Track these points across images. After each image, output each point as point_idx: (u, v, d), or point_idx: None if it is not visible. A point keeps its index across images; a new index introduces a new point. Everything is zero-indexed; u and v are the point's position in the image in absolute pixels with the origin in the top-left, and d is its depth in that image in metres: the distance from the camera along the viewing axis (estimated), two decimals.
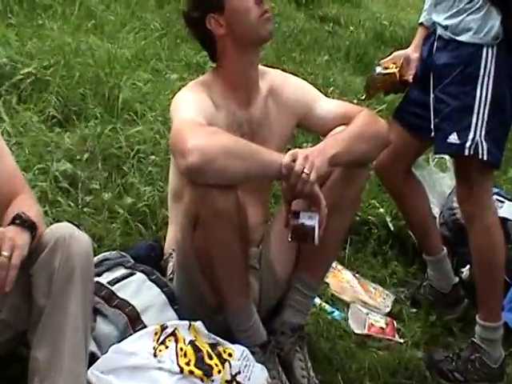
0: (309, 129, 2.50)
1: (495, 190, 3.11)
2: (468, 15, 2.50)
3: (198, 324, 2.03)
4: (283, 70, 2.55)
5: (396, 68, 2.83)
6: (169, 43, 4.63)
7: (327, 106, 2.36)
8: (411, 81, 2.81)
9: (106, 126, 3.16)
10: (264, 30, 2.23)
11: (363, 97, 3.06)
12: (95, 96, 3.41)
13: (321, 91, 2.46)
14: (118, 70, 3.72)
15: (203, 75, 2.37)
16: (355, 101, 3.58)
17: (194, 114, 2.07)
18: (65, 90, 3.35)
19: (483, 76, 2.50)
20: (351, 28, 6.66)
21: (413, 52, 2.84)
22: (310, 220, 2.01)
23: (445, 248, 3.00)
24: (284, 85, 2.39)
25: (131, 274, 2.19)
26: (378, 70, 2.87)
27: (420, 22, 2.89)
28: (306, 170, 1.96)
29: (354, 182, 2.24)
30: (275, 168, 1.97)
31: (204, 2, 2.24)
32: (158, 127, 3.22)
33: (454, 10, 2.53)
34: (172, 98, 2.28)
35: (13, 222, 1.69)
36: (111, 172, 2.96)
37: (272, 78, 2.39)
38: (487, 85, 2.51)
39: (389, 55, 2.94)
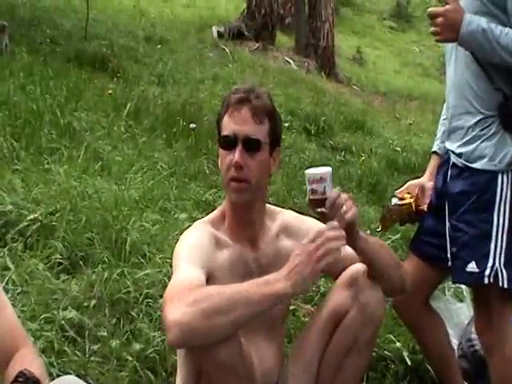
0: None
1: None
2: (482, 142, 2.57)
3: None
4: (294, 205, 2.59)
5: (411, 198, 2.89)
6: (177, 182, 4.76)
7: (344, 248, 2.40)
8: (427, 210, 2.86)
9: (113, 270, 3.21)
10: (229, 194, 2.27)
11: (379, 228, 3.10)
12: (102, 240, 3.48)
13: None
14: (126, 212, 3.80)
15: (214, 211, 2.42)
16: (368, 231, 3.63)
17: (189, 269, 2.10)
18: (71, 236, 3.42)
19: (499, 202, 2.55)
20: (363, 156, 6.80)
21: (427, 181, 2.92)
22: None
23: (465, 382, 2.97)
24: (299, 222, 2.44)
25: None
26: (394, 201, 2.93)
27: (433, 150, 2.97)
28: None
29: (371, 321, 2.28)
30: (268, 301, 1.98)
31: (217, 123, 2.31)
32: (167, 269, 3.25)
33: (468, 138, 2.60)
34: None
35: (16, 380, 1.70)
36: (119, 318, 2.98)
37: (285, 217, 2.44)
38: (504, 211, 2.55)
39: (403, 184, 3.01)
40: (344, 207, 2.15)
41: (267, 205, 2.41)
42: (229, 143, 2.22)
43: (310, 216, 2.51)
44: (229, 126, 2.23)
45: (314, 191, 2.16)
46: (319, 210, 2.17)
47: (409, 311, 2.92)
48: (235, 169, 2.20)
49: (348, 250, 2.39)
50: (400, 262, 2.42)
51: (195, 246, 2.21)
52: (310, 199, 2.18)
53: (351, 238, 2.22)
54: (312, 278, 2.01)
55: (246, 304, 1.94)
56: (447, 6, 2.50)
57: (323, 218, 2.19)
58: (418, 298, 2.87)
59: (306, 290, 2.03)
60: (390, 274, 2.32)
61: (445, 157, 2.81)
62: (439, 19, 2.46)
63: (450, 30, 2.47)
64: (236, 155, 2.19)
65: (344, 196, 2.18)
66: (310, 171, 2.18)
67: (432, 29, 2.50)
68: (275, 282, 1.98)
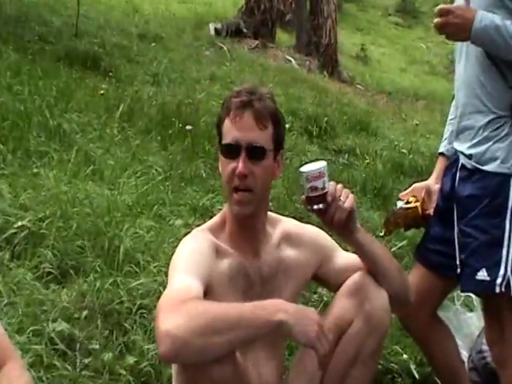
0: (322, 279, 2.50)
1: None
2: (494, 143, 2.56)
3: None
4: (295, 210, 2.59)
5: (417, 202, 2.88)
6: (173, 186, 4.75)
7: (345, 258, 2.43)
8: (433, 214, 2.86)
9: (105, 279, 3.20)
10: (232, 206, 2.26)
11: (382, 233, 3.10)
12: (94, 248, 3.47)
13: None
14: (119, 219, 3.80)
15: (213, 218, 2.41)
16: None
17: (186, 279, 2.08)
18: (61, 243, 3.41)
19: None
20: (367, 159, 6.80)
21: (433, 183, 2.91)
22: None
23: None
24: (300, 230, 2.45)
25: None
26: (400, 204, 2.93)
27: (440, 151, 2.96)
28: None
29: (376, 331, 2.28)
30: (267, 327, 1.97)
31: (217, 127, 2.30)
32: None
33: (479, 139, 2.60)
34: (177, 246, 2.33)
35: None
36: (112, 330, 2.97)
37: (286, 225, 2.44)
38: None
39: (408, 187, 3.00)
40: (342, 197, 2.20)
41: (268, 212, 2.40)
42: (231, 152, 2.21)
43: (311, 224, 2.52)
44: (231, 132, 2.21)
45: (313, 188, 2.18)
46: (317, 207, 2.19)
47: (415, 323, 2.91)
48: (239, 178, 2.19)
49: (350, 259, 2.40)
50: (401, 268, 2.45)
51: (193, 254, 2.20)
52: (310, 197, 2.19)
53: (349, 230, 2.26)
54: (302, 337, 1.99)
55: (246, 327, 1.94)
56: (458, 4, 2.51)
57: (322, 216, 2.22)
58: (425, 309, 2.86)
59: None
60: (391, 276, 2.34)
61: (453, 158, 2.80)
62: (449, 17, 2.46)
63: (461, 30, 2.48)
64: (240, 165, 2.18)
65: (339, 186, 2.22)
66: (306, 169, 2.20)
67: (436, 22, 2.49)
68: (276, 310, 1.97)
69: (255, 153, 2.20)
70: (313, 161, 2.28)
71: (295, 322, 1.97)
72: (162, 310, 1.97)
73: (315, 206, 2.20)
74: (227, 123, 2.23)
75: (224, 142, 2.23)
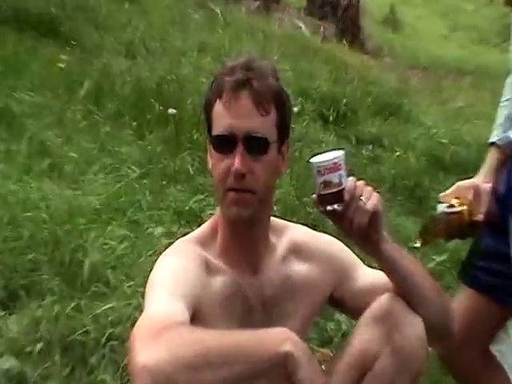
0: (339, 301, 2.48)
1: None
2: None
3: None
4: (306, 215, 2.58)
5: (463, 205, 2.87)
6: (152, 185, 4.78)
7: (368, 276, 2.43)
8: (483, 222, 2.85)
9: (66, 303, 3.22)
10: (226, 209, 2.25)
11: (417, 244, 3.09)
12: (51, 263, 3.48)
13: None
14: (83, 226, 3.82)
15: (202, 225, 2.40)
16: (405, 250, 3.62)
17: (168, 301, 2.06)
18: (9, 258, 3.43)
19: None
20: (398, 151, 6.81)
21: (483, 182, 2.90)
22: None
23: None
24: (312, 240, 2.45)
25: None
26: (441, 208, 2.91)
27: (491, 141, 2.96)
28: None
29: (408, 368, 2.27)
30: (270, 361, 1.94)
31: (205, 110, 2.28)
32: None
33: None
34: (156, 260, 2.30)
35: None
36: (74, 367, 2.98)
37: (294, 233, 2.43)
38: None
39: (450, 187, 2.99)
40: (363, 196, 2.16)
41: (272, 218, 2.39)
42: (225, 145, 2.18)
43: (328, 233, 2.52)
44: (224, 120, 2.18)
45: (327, 184, 2.13)
46: (331, 207, 2.16)
47: (460, 361, 2.90)
48: (235, 178, 2.17)
49: (375, 277, 2.40)
50: (441, 290, 2.42)
51: (177, 271, 2.18)
52: (323, 195, 2.15)
53: (373, 239, 2.23)
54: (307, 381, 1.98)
55: (244, 361, 1.92)
56: None
57: (338, 220, 2.18)
58: (474, 343, 2.85)
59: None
60: (427, 299, 2.32)
61: (509, 150, 2.80)
62: None
63: None
64: (236, 161, 2.16)
65: (360, 183, 2.17)
66: (318, 159, 2.15)
67: None
68: (281, 340, 1.94)
69: (255, 145, 2.18)
70: (327, 151, 2.23)
71: (304, 359, 1.94)
72: (138, 338, 1.95)
73: (329, 207, 2.16)
74: (219, 108, 2.20)
75: (215, 132, 2.21)
